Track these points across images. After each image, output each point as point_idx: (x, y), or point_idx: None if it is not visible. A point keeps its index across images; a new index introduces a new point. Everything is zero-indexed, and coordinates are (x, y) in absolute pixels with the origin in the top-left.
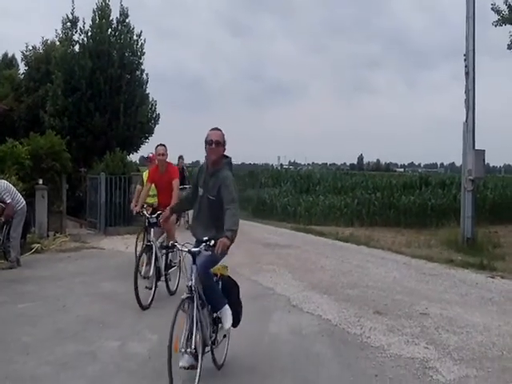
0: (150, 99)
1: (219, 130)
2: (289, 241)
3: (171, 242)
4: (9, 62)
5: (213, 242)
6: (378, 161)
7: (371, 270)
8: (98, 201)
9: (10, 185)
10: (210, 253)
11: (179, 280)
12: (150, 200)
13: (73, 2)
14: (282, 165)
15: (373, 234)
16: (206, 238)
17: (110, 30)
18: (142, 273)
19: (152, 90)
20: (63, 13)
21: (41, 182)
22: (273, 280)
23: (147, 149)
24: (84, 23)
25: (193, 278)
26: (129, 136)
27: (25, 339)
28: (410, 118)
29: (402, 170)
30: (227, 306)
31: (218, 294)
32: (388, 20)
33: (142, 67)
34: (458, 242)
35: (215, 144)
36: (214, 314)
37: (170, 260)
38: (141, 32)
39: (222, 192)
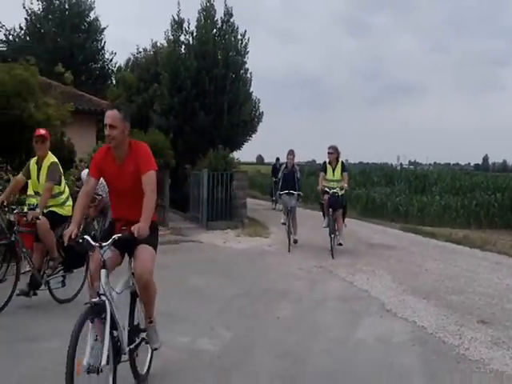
0: (254, 98)
1: None
2: (394, 241)
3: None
4: (131, 67)
5: None
6: (505, 161)
7: (482, 276)
8: (200, 196)
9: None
10: None
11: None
12: (31, 200)
13: (179, 4)
14: (401, 164)
15: (490, 236)
16: None
17: (214, 29)
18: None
19: (266, 90)
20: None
21: None
22: (369, 282)
23: (250, 146)
24: (189, 24)
25: None
26: (232, 134)
27: None
28: None
29: None
30: None
31: None
32: None
33: (246, 66)
34: None
35: None
36: None
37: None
38: (245, 31)
39: None
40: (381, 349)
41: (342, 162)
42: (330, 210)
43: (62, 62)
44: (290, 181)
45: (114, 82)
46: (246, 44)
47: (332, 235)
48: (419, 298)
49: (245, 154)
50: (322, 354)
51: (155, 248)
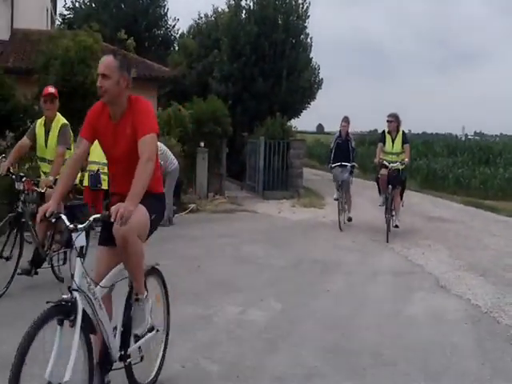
0: (314, 63)
1: None
2: (454, 215)
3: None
4: (193, 33)
5: None
6: None
7: None
8: (256, 165)
9: (164, 147)
10: None
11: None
12: (44, 167)
13: None
14: (466, 135)
15: None
16: None
17: None
18: None
19: (328, 55)
20: None
21: (202, 144)
22: (425, 256)
23: (310, 115)
24: None
25: None
26: (290, 101)
27: None
28: None
29: None
30: None
31: None
32: None
33: (307, 31)
34: None
35: None
36: None
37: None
38: None
39: None
40: (432, 326)
41: (403, 131)
42: (389, 187)
43: (125, 28)
44: (343, 151)
45: (176, 48)
46: (307, 8)
47: (388, 215)
48: (475, 274)
49: (305, 122)
50: (370, 329)
51: (151, 214)
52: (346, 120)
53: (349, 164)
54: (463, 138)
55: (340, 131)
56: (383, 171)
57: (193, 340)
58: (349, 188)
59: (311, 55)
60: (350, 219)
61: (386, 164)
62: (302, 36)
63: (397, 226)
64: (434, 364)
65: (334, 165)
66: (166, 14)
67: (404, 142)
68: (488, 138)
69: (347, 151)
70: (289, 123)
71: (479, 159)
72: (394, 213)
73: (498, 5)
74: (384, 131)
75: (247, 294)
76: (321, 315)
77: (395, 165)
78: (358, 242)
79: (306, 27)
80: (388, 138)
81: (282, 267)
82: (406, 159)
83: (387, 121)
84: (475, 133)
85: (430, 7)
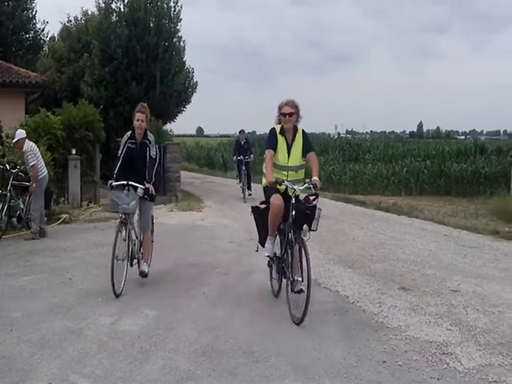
0: (188, 67)
1: None
2: (325, 211)
3: None
4: (62, 37)
5: None
6: (438, 128)
7: (406, 242)
8: None
9: (37, 149)
10: None
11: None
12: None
13: None
14: (339, 133)
15: (419, 203)
16: None
17: None
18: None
19: (209, 60)
20: None
21: (74, 152)
22: None
23: (183, 117)
24: None
25: None
26: (165, 105)
27: (14, 315)
28: (474, 83)
29: (462, 137)
30: None
31: None
32: None
33: (179, 34)
34: (509, 212)
35: None
36: None
37: None
38: None
39: None
40: None
41: (304, 131)
42: (286, 226)
43: None
44: (136, 163)
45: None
46: (179, 11)
47: (286, 277)
48: (344, 267)
49: (184, 126)
50: (244, 327)
51: None
52: (141, 110)
53: (140, 186)
54: (336, 137)
55: (133, 130)
56: (276, 199)
57: (62, 356)
58: (147, 224)
59: (185, 58)
60: (143, 274)
61: (287, 186)
62: (174, 39)
63: (301, 291)
64: (303, 357)
65: (115, 183)
66: (34, 16)
67: (307, 148)
68: (359, 136)
69: (142, 163)
70: (165, 127)
71: (349, 156)
72: (297, 277)
73: (368, 9)
74: (274, 130)
75: (121, 304)
76: (196, 318)
77: (302, 187)
78: (235, 243)
79: (178, 30)
80: (282, 141)
81: (158, 273)
82: (315, 178)
83: (282, 114)
84: (347, 131)
85: (303, 11)
